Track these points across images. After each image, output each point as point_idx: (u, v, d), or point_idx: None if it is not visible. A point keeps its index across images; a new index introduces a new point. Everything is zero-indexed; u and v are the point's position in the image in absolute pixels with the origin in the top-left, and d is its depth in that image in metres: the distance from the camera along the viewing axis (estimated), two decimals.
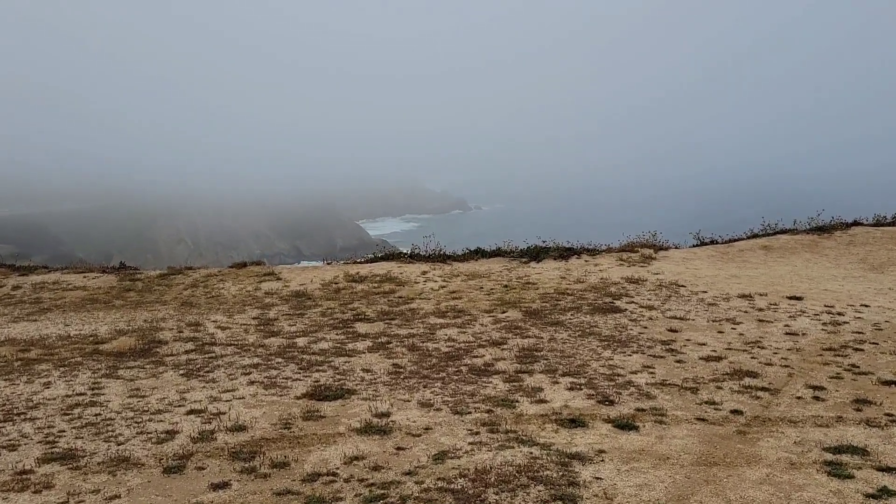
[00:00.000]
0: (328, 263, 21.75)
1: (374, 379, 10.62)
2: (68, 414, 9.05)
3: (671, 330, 13.68)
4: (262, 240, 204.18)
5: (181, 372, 11.08)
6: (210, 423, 8.67)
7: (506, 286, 18.30)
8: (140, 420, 8.77)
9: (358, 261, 21.93)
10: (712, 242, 24.84)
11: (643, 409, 9.14)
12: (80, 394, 9.94)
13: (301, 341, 13.12)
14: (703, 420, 8.82)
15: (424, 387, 10.17)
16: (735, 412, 9.12)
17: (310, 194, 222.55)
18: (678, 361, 11.51)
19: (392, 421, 8.70)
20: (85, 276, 19.98)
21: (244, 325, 14.68)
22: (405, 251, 22.51)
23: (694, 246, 24.15)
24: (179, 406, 9.34)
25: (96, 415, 9.00)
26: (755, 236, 24.90)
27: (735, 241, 24.57)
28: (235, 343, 13.03)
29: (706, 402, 9.47)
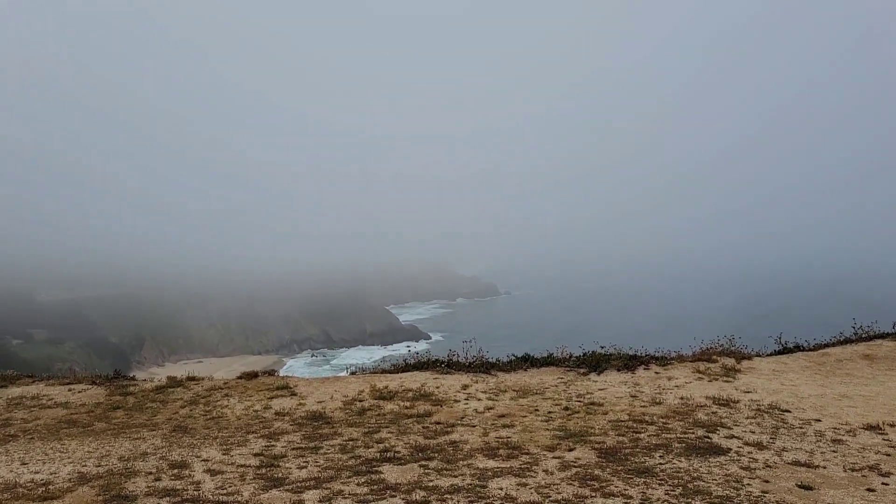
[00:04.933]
0: (353, 374, 18.73)
1: None
2: None
3: (802, 486, 10.24)
4: (291, 324, 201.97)
5: None
6: None
7: (566, 409, 15.01)
8: None
9: (387, 370, 18.88)
10: (797, 348, 21.32)
11: None
12: None
13: (310, 498, 9.96)
14: None
15: None
16: None
17: (340, 280, 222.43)
18: None
19: None
20: (70, 389, 17.21)
21: (242, 466, 11.59)
22: (442, 358, 19.42)
23: (779, 353, 20.64)
24: None
25: None
26: (849, 341, 21.31)
27: (826, 346, 21.02)
28: (224, 500, 9.92)
29: None
